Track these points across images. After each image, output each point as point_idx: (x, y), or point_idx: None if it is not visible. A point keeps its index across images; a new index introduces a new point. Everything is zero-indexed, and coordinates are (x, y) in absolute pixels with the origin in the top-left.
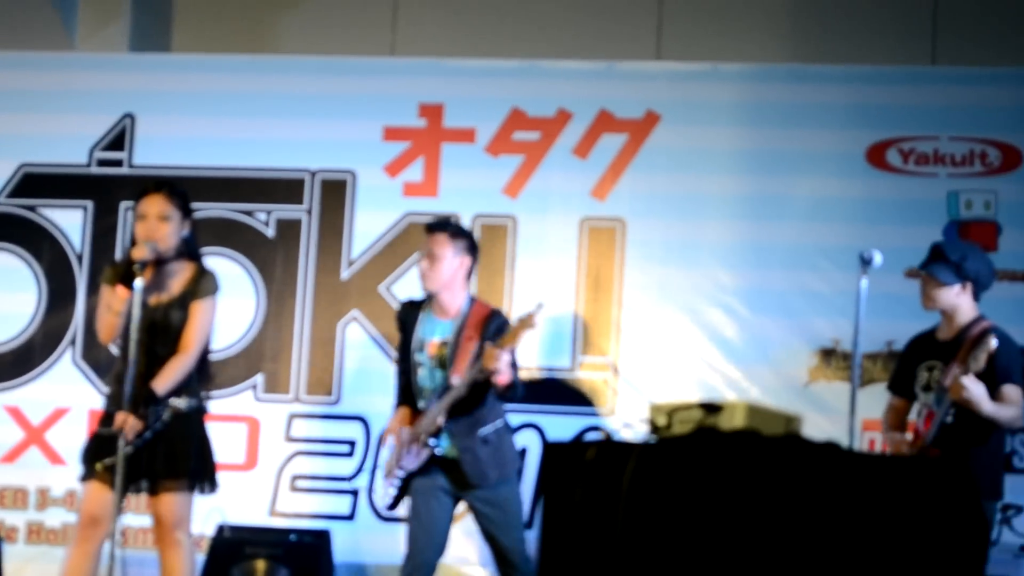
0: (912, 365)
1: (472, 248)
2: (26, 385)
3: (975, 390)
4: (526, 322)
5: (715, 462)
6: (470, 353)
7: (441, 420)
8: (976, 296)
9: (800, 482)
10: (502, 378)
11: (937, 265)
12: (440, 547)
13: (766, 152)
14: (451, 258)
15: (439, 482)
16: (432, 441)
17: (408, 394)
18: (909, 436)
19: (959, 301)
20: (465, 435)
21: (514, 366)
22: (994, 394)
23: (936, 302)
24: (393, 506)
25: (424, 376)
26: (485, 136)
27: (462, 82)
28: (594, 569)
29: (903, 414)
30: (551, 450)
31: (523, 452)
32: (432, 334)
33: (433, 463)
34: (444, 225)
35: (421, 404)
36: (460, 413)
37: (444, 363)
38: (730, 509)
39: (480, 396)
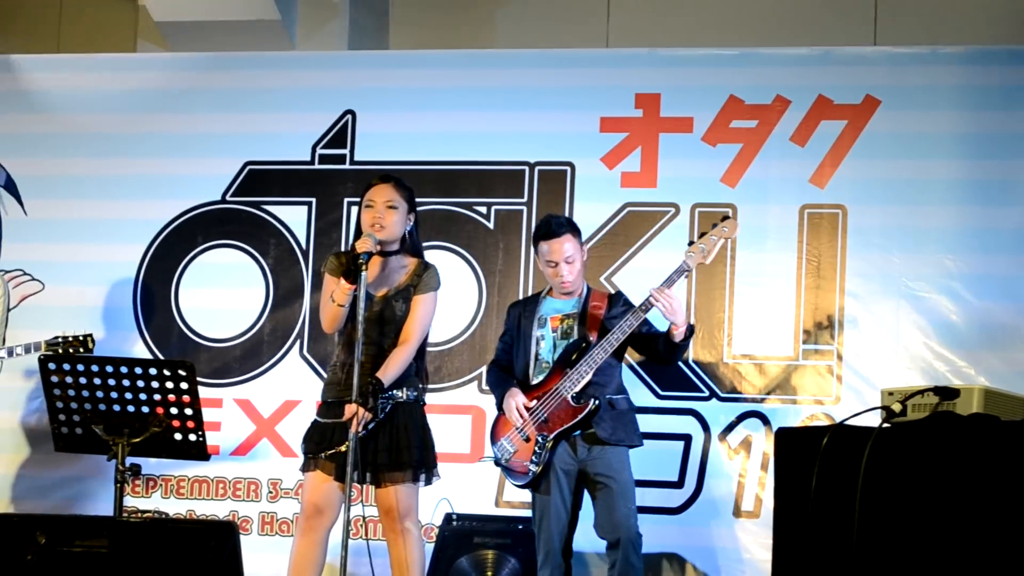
0: None
1: (582, 240)
2: (256, 379)
3: None
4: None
5: (954, 447)
6: (600, 318)
7: (588, 376)
8: None
9: None
10: (679, 318)
11: None
12: (569, 526)
13: (988, 135)
14: (582, 257)
15: (566, 461)
16: (571, 395)
17: (510, 375)
18: None
19: None
20: (598, 395)
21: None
22: None
23: None
24: (535, 484)
25: (546, 349)
26: (702, 125)
27: (678, 71)
28: (832, 558)
29: None
30: (783, 436)
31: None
32: (552, 312)
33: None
34: (568, 225)
35: (539, 379)
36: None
37: (569, 332)
38: (970, 495)
39: (606, 366)
